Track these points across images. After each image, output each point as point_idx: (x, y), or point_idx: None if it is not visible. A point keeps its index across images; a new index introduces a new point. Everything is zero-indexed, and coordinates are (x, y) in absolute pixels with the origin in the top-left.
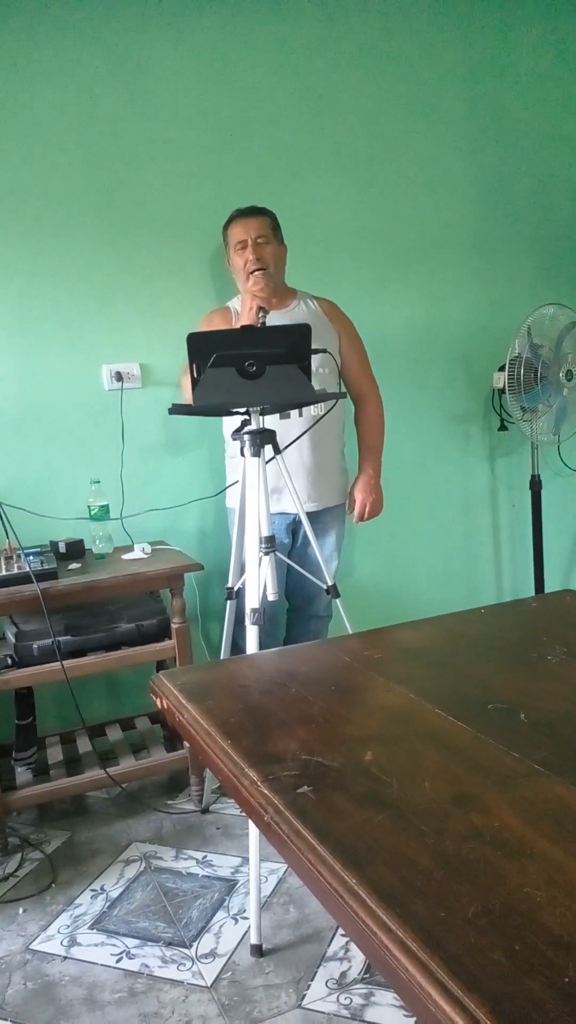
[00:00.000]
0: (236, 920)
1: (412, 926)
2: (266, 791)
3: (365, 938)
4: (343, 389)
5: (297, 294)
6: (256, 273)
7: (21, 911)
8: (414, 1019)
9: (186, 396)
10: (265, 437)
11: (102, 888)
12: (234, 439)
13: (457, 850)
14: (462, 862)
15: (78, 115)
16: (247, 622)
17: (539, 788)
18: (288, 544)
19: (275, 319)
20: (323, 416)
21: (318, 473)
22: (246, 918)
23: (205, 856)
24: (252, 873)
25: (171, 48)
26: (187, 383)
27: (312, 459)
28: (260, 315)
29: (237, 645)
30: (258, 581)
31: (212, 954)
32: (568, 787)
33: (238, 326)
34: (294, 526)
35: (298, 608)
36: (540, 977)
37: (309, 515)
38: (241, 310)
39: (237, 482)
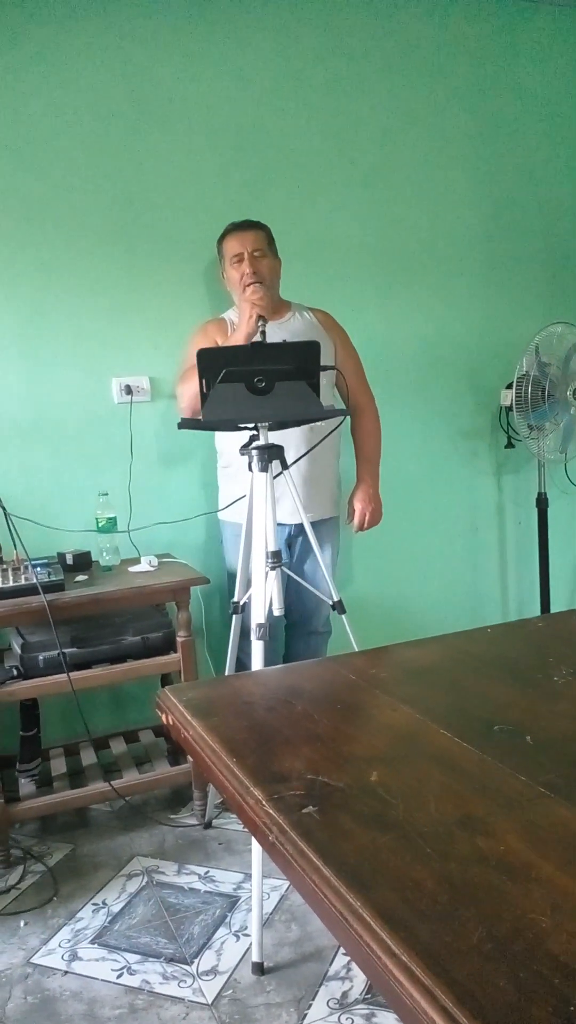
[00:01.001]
0: (238, 937)
1: (417, 950)
2: (271, 810)
3: (369, 961)
4: (339, 400)
5: (292, 306)
6: (254, 284)
7: (22, 924)
8: None
9: (183, 404)
10: (273, 452)
11: (104, 902)
12: (242, 454)
13: (462, 873)
14: (467, 886)
15: (89, 130)
16: (252, 637)
17: (545, 811)
18: (285, 558)
19: (271, 331)
20: (330, 433)
21: (313, 484)
22: (248, 935)
23: (207, 872)
24: (254, 890)
25: (181, 66)
26: (184, 391)
27: (308, 471)
28: (260, 324)
29: (240, 660)
30: (264, 596)
31: (213, 971)
32: (574, 811)
33: (235, 336)
34: (289, 539)
35: (296, 624)
36: (545, 1005)
37: (303, 526)
38: (239, 320)
39: (244, 496)
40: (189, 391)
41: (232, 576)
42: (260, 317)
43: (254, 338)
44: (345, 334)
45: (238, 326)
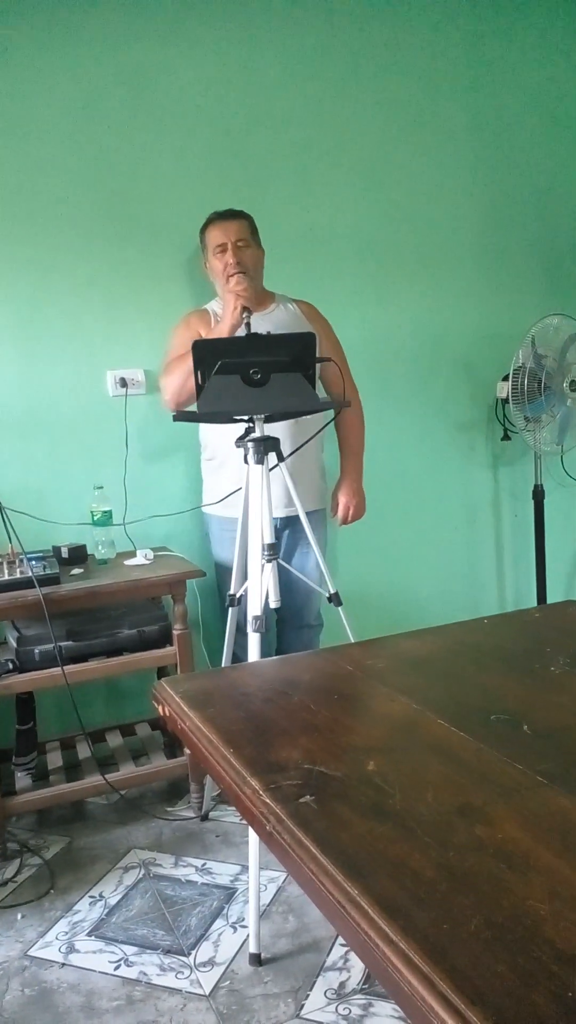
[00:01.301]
0: (235, 928)
1: (415, 938)
2: (268, 800)
3: (367, 949)
4: (322, 392)
5: (276, 297)
6: (238, 275)
7: (19, 917)
8: None
9: (167, 396)
10: (269, 445)
11: (101, 895)
12: (238, 446)
13: (461, 862)
14: (466, 874)
15: (83, 121)
16: (249, 629)
17: (543, 800)
18: None
19: (255, 322)
20: (325, 426)
21: (298, 478)
22: (245, 927)
23: (204, 864)
24: (251, 881)
25: (175, 55)
26: (168, 382)
27: (293, 464)
28: (244, 315)
29: (235, 653)
30: (260, 588)
31: (210, 962)
32: (572, 799)
33: (218, 327)
34: (277, 533)
35: (287, 618)
36: (544, 991)
37: (289, 519)
38: (223, 311)
39: (239, 490)
40: (174, 383)
41: (221, 569)
42: (245, 308)
43: (238, 330)
44: (329, 326)
45: (222, 317)
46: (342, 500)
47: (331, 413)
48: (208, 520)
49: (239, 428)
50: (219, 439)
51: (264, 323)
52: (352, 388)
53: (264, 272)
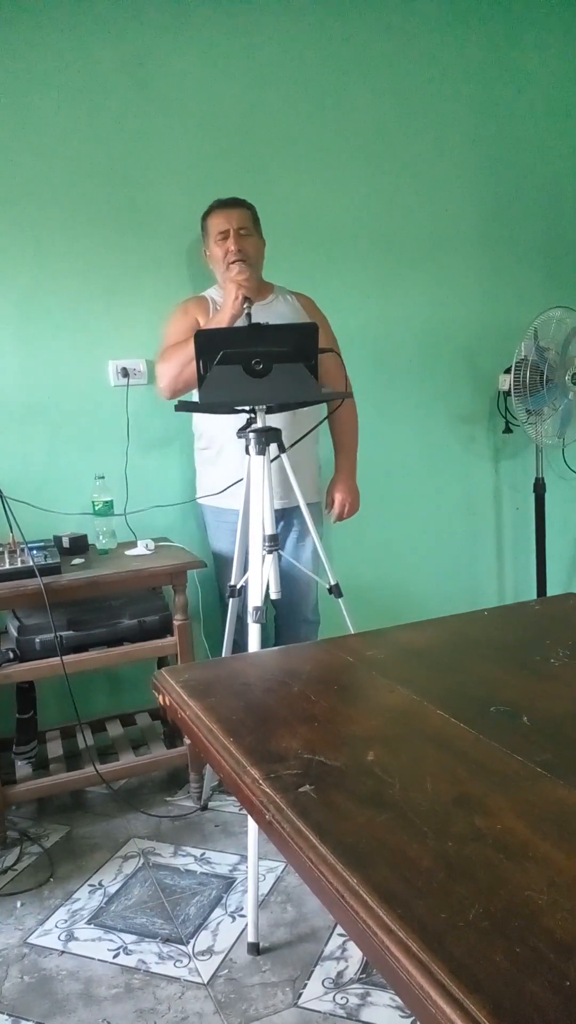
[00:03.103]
0: (233, 918)
1: (413, 927)
2: (268, 789)
3: (366, 938)
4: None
5: (275, 288)
6: (239, 263)
7: (19, 905)
8: (410, 1020)
9: (163, 384)
10: (270, 436)
11: (100, 883)
12: (239, 437)
13: (459, 851)
14: (464, 863)
15: (85, 110)
16: (249, 620)
17: (541, 791)
18: None
19: (254, 312)
20: (328, 416)
21: (294, 471)
22: (243, 916)
23: (203, 853)
24: (250, 871)
25: (177, 45)
26: (164, 370)
27: (289, 456)
28: (245, 305)
29: (235, 643)
30: (260, 579)
31: (209, 951)
32: (570, 790)
33: (218, 315)
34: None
35: (285, 613)
36: (541, 980)
37: (285, 512)
38: (224, 300)
39: (242, 480)
40: (171, 370)
41: (218, 559)
42: (246, 298)
43: (239, 319)
44: (326, 320)
45: (222, 306)
46: (337, 497)
47: (329, 405)
48: (203, 510)
49: (237, 418)
50: (215, 429)
51: (264, 314)
52: (346, 383)
53: (263, 262)
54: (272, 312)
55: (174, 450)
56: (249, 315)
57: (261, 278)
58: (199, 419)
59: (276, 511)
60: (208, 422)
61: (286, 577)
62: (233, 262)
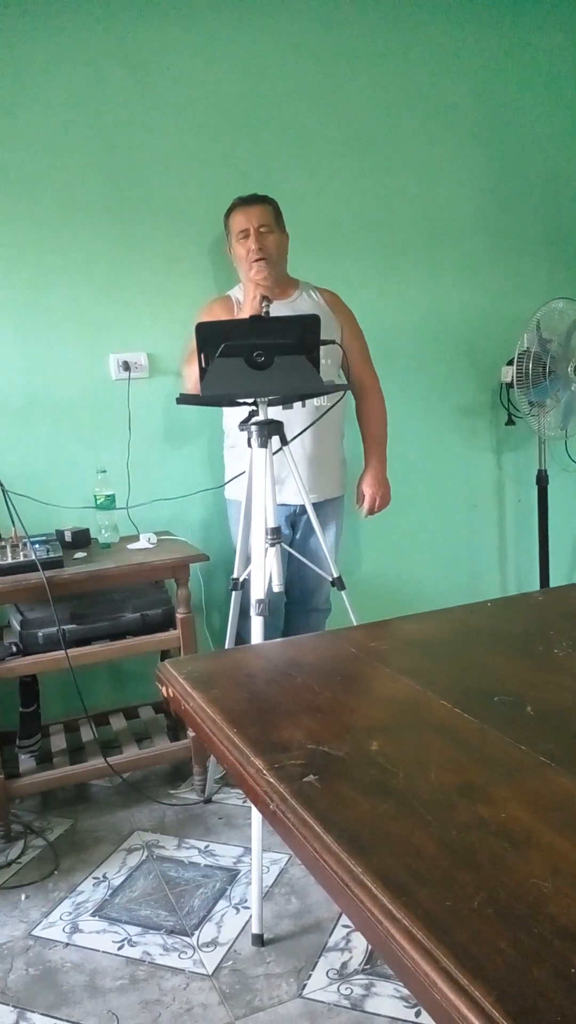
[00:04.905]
0: (238, 909)
1: (418, 915)
2: (272, 779)
3: (370, 927)
4: (343, 381)
5: (300, 284)
6: (259, 262)
7: (23, 898)
8: (415, 1010)
9: (189, 385)
10: (272, 428)
11: (104, 876)
12: (241, 430)
13: (463, 840)
14: (468, 852)
15: (85, 102)
16: (252, 613)
17: (545, 780)
18: (288, 536)
19: (277, 309)
20: (330, 408)
21: (318, 465)
22: (247, 907)
23: (207, 846)
24: (254, 863)
25: (177, 37)
26: (189, 372)
27: (313, 451)
28: (264, 304)
29: (240, 636)
30: (264, 572)
31: (213, 943)
32: (574, 779)
33: (240, 315)
34: (294, 518)
35: (297, 601)
36: (546, 966)
37: (315, 505)
38: (244, 299)
39: (244, 473)
40: (194, 373)
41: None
42: (264, 297)
43: None
44: (352, 315)
45: (243, 306)
46: (368, 491)
47: (342, 396)
48: (228, 505)
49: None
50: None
51: (286, 311)
52: (374, 378)
53: (287, 258)
54: (295, 309)
55: (176, 444)
56: (267, 313)
57: (285, 274)
58: (227, 416)
59: (301, 505)
60: (234, 419)
61: (301, 566)
62: (255, 260)
